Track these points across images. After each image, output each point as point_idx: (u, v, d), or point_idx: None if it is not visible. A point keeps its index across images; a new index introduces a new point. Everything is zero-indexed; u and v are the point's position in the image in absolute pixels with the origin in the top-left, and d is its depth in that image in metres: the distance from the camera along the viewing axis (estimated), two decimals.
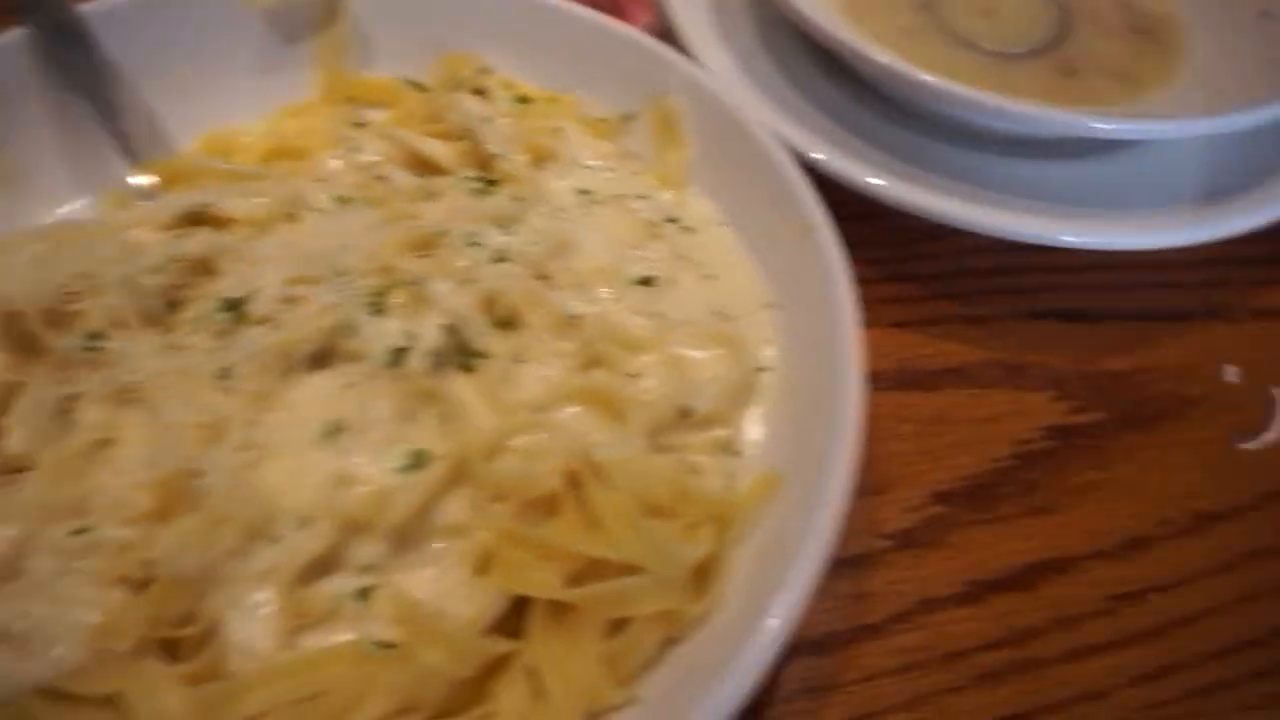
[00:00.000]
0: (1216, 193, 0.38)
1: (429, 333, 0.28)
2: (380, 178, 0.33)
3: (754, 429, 0.29)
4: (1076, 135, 0.35)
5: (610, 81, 0.36)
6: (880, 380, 0.35)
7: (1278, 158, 0.39)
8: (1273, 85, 0.36)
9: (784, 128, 0.36)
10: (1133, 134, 0.34)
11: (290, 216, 0.32)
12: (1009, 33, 0.42)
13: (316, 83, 0.38)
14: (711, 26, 0.40)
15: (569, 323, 0.29)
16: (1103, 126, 0.33)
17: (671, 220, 0.34)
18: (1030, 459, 0.33)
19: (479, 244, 0.30)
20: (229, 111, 0.37)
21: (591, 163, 0.35)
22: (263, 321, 0.28)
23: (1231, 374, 0.36)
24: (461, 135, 0.34)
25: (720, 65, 0.39)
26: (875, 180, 0.35)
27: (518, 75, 0.37)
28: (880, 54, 0.34)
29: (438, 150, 0.34)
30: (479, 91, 0.36)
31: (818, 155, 0.36)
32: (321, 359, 0.29)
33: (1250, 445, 0.34)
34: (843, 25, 0.40)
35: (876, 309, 0.37)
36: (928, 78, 0.33)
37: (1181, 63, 0.40)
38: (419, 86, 0.38)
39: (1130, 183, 0.38)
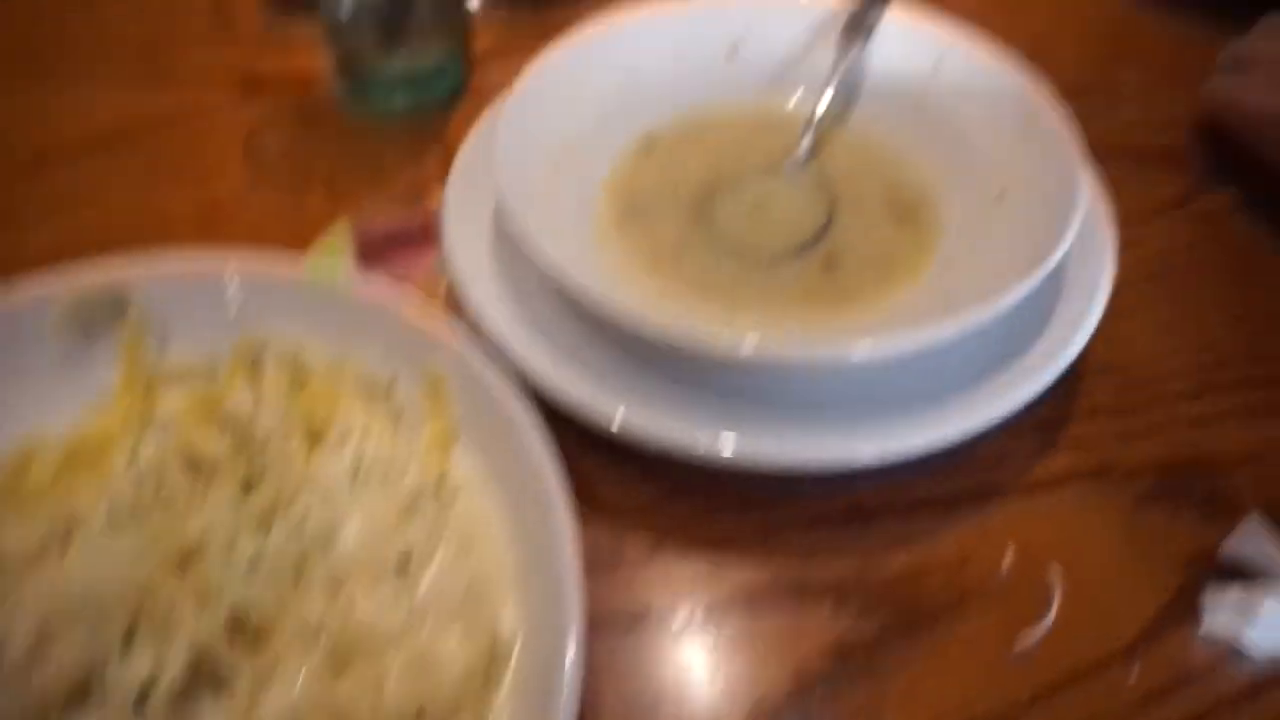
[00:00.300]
0: (993, 366, 0.39)
1: (174, 663, 0.29)
2: (158, 482, 0.35)
3: (499, 715, 0.30)
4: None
5: (384, 346, 0.38)
6: (666, 619, 0.36)
7: (1045, 320, 0.41)
8: (1014, 268, 0.38)
9: (555, 377, 0.37)
10: (854, 360, 0.35)
11: (65, 538, 0.33)
12: (778, 231, 0.44)
13: (118, 377, 0.40)
14: (493, 278, 0.41)
15: (316, 629, 0.30)
16: (844, 356, 0.35)
17: (436, 488, 0.35)
18: (806, 686, 0.33)
19: (235, 553, 0.32)
20: (40, 417, 0.39)
21: (363, 434, 0.36)
22: (16, 669, 0.29)
23: (1009, 558, 0.37)
24: (236, 427, 0.36)
25: (496, 315, 0.40)
26: (658, 434, 0.36)
27: (302, 343, 0.39)
28: (601, 297, 0.35)
29: (211, 447, 0.36)
30: (256, 375, 0.38)
31: (588, 407, 0.37)
32: (79, 696, 0.30)
33: (1029, 635, 0.35)
34: (607, 250, 0.42)
35: (666, 534, 0.38)
36: (642, 318, 0.34)
37: (939, 246, 0.42)
38: (210, 370, 0.40)
39: (911, 374, 0.38)
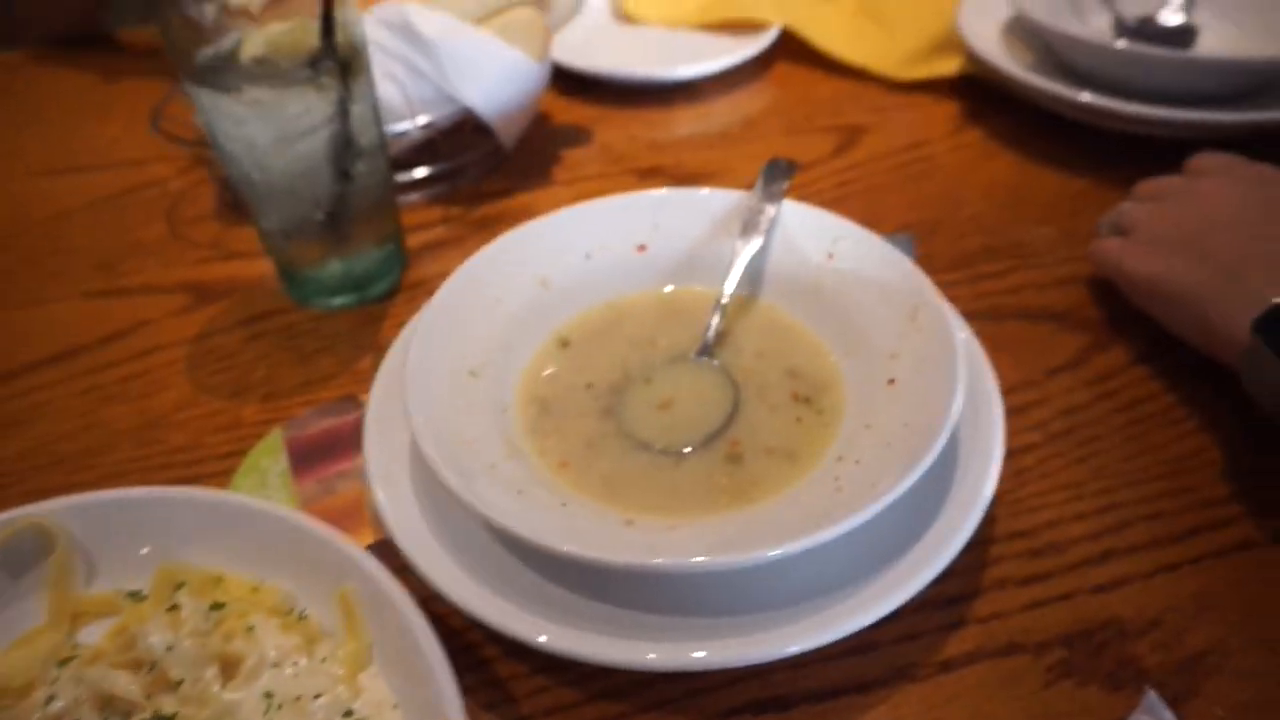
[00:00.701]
0: (898, 545, 0.40)
1: None
2: None
3: None
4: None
5: (301, 567, 0.40)
6: None
7: (945, 493, 0.42)
8: (907, 453, 0.40)
9: (471, 596, 0.38)
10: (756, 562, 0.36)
11: None
12: (686, 423, 0.46)
13: (43, 613, 0.41)
14: (412, 486, 0.43)
15: None
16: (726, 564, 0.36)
17: (346, 715, 0.36)
18: None
19: None
20: None
21: (279, 659, 0.37)
22: None
23: None
24: (151, 666, 0.37)
25: (413, 530, 0.41)
26: (577, 649, 0.37)
27: (221, 567, 0.41)
28: (509, 522, 0.36)
29: (125, 686, 0.36)
30: (175, 606, 0.39)
31: (502, 625, 0.37)
32: None
33: None
34: (520, 457, 0.44)
35: None
36: (544, 539, 0.36)
37: (837, 432, 0.44)
38: (136, 597, 0.41)
39: (815, 564, 0.39)
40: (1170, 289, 0.51)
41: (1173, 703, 0.37)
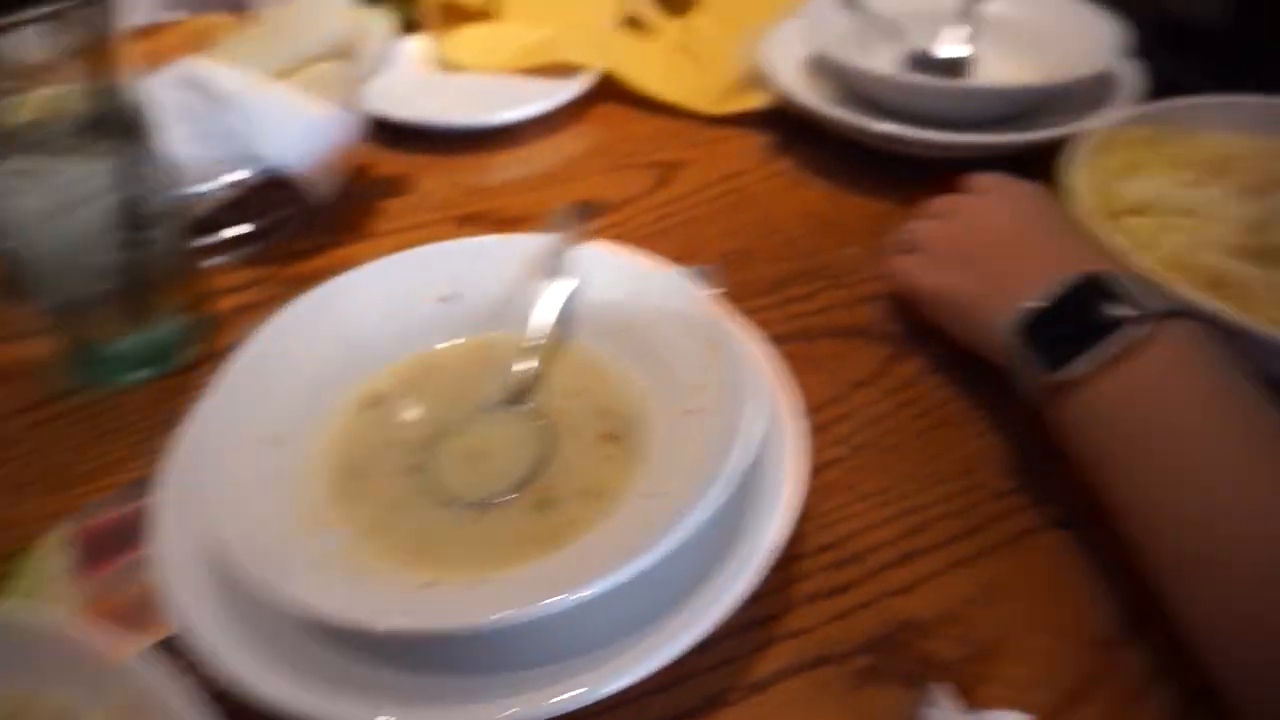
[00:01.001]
0: (709, 572, 0.41)
1: None
2: None
3: None
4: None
5: (73, 678, 0.37)
6: None
7: (747, 520, 0.43)
8: (706, 481, 0.41)
9: (270, 689, 0.36)
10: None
11: None
12: (497, 473, 0.45)
13: None
14: (207, 575, 0.41)
15: None
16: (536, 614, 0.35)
17: None
18: None
19: None
20: None
21: None
22: None
23: None
24: None
25: (203, 619, 0.39)
26: None
27: None
28: (286, 593, 0.35)
29: None
30: None
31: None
32: None
33: None
34: (319, 529, 0.42)
35: None
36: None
37: (645, 467, 0.45)
38: None
39: (624, 601, 0.38)
40: (950, 300, 0.55)
41: (966, 690, 0.40)
